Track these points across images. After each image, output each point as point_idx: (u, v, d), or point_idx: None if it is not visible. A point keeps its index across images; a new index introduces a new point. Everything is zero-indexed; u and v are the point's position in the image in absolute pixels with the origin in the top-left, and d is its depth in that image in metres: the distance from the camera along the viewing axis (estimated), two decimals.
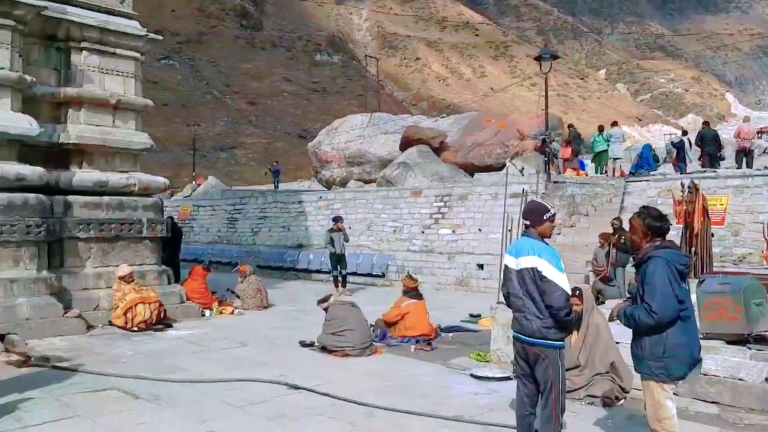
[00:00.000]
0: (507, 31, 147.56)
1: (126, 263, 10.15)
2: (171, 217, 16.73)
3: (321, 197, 21.43)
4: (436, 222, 17.98)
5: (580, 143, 20.95)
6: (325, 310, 8.38)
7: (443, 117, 26.58)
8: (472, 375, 6.92)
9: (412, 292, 9.18)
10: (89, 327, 9.36)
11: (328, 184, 24.89)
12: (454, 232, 17.42)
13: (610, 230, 13.02)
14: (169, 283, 10.91)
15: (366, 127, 24.55)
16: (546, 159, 18.10)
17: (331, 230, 14.41)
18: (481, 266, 16.09)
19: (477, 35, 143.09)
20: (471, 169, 21.22)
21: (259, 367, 7.25)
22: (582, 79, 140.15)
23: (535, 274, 3.86)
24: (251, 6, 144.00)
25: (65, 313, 9.12)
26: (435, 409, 5.70)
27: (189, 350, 8.19)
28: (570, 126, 21.05)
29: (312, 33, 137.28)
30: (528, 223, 4.07)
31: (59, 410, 5.57)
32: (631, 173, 18.17)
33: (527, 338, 3.95)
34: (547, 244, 4.02)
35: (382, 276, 17.06)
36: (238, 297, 11.94)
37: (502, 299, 4.50)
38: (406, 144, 21.92)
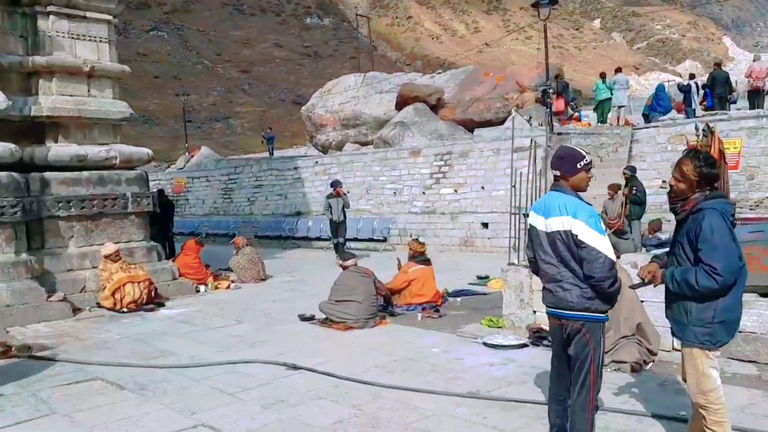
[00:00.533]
0: None
1: (111, 241, 9.56)
2: (161, 190, 16.14)
3: (317, 162, 20.77)
4: (437, 182, 17.36)
5: (569, 93, 20.14)
6: (341, 266, 7.89)
7: (439, 73, 25.70)
8: (485, 344, 6.38)
9: (420, 256, 8.60)
10: (76, 310, 8.82)
11: (324, 149, 24.17)
12: (456, 191, 16.81)
13: (619, 181, 12.42)
14: (160, 259, 10.34)
15: (360, 87, 23.71)
16: (548, 110, 17.36)
17: (329, 196, 13.74)
18: (485, 225, 15.52)
19: None
20: (470, 126, 20.49)
21: (255, 347, 6.71)
22: (577, 29, 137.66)
23: (570, 238, 3.19)
24: None
25: (49, 297, 8.56)
26: (447, 385, 5.16)
27: (180, 331, 7.65)
28: (557, 77, 20.17)
29: None
30: (558, 173, 3.36)
31: (34, 407, 5.04)
32: (644, 116, 17.49)
33: (565, 312, 3.30)
34: (582, 199, 3.33)
35: (384, 240, 16.52)
36: (231, 271, 11.38)
37: (524, 261, 3.84)
38: (402, 103, 21.13)
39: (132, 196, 9.90)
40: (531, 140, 9.44)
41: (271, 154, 27.64)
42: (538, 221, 3.39)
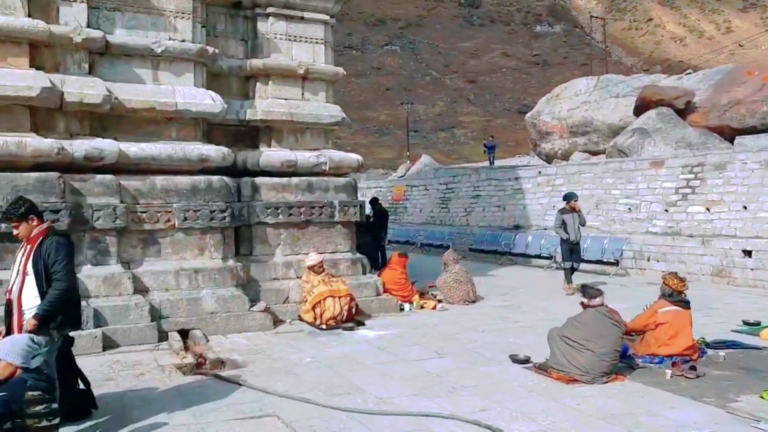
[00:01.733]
0: None
1: (316, 251, 9.06)
2: (375, 198, 15.77)
3: (540, 172, 19.08)
4: (684, 198, 14.75)
5: None
6: (583, 306, 6.36)
7: (688, 74, 22.44)
8: None
9: (677, 295, 6.75)
10: (277, 322, 8.41)
11: (549, 158, 22.34)
12: (708, 210, 14.10)
13: None
14: (365, 273, 9.64)
15: (592, 91, 21.52)
16: None
17: (563, 210, 11.68)
18: (748, 253, 12.69)
19: None
20: (727, 133, 17.35)
21: (454, 393, 5.52)
22: None
23: None
24: None
25: (252, 306, 8.23)
26: None
27: (375, 359, 6.72)
28: None
29: (532, 4, 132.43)
30: None
31: None
32: None
33: None
34: None
35: (616, 264, 14.33)
36: (431, 295, 10.35)
37: None
38: (642, 107, 18.60)
39: (339, 205, 9.33)
40: None
41: (492, 163, 26.44)
42: None
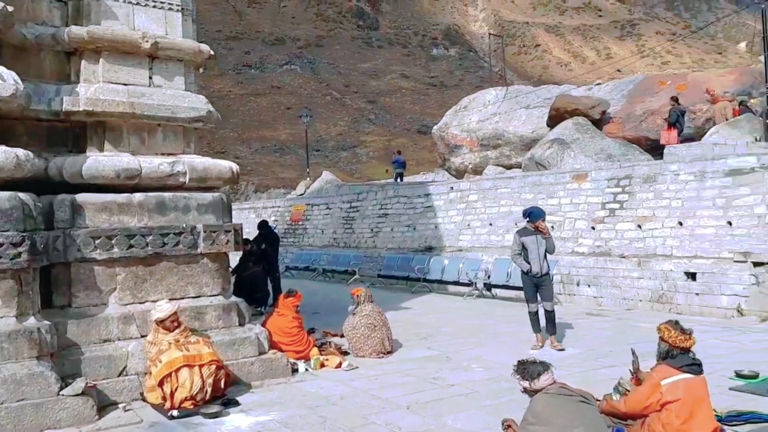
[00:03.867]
0: (633, 9, 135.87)
1: (170, 296, 6.28)
2: (265, 221, 13.10)
3: (452, 188, 17.01)
4: (612, 214, 13.02)
5: (683, 123, 15.07)
6: (527, 392, 4.02)
7: (597, 84, 21.30)
8: None
9: (681, 354, 4.52)
10: (106, 407, 5.55)
11: (459, 173, 20.40)
12: (640, 227, 12.40)
13: None
14: (243, 323, 6.90)
15: (501, 102, 19.82)
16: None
17: (524, 232, 8.19)
18: (691, 275, 10.97)
19: (600, 16, 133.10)
20: (645, 144, 15.99)
21: None
22: (720, 53, 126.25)
23: None
24: (367, 6, 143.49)
25: (63, 387, 5.33)
26: None
27: None
28: (674, 99, 15.11)
29: (428, 28, 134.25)
30: None
31: None
32: None
33: None
34: None
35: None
36: (334, 346, 7.76)
37: None
38: (556, 117, 16.99)
39: (205, 230, 6.59)
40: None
41: (399, 180, 24.20)
42: None
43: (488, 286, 13.08)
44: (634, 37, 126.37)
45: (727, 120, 14.98)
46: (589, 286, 12.58)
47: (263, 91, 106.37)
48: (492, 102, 20.00)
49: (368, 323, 7.54)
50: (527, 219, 8.27)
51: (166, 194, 6.49)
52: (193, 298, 6.54)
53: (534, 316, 8.21)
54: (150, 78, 6.64)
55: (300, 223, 22.75)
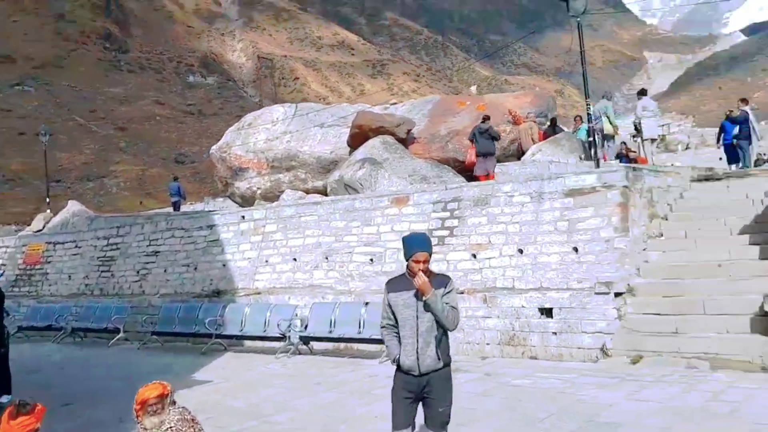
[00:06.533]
0: (382, 50, 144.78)
1: None
2: None
3: (244, 217, 13.88)
4: (441, 242, 11.12)
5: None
6: None
7: (393, 104, 19.86)
8: None
9: None
10: None
11: (246, 200, 17.26)
12: (475, 256, 10.65)
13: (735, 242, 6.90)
14: None
15: (291, 120, 17.26)
16: (590, 141, 11.86)
17: (396, 282, 4.27)
18: (547, 312, 9.38)
19: (353, 54, 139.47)
20: (454, 166, 14.64)
21: None
22: (456, 94, 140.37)
23: None
24: (115, 28, 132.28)
25: None
26: None
27: None
28: (485, 119, 14.77)
29: (183, 54, 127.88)
30: None
31: None
32: None
33: None
34: None
35: (377, 341, 9.76)
36: None
37: None
38: (359, 136, 14.90)
39: None
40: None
41: (177, 209, 20.09)
42: None
43: (305, 339, 10.23)
44: (385, 75, 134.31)
45: (534, 141, 14.26)
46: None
47: None
48: (281, 119, 17.33)
49: None
50: (408, 252, 4.24)
51: None
52: None
53: None
54: None
55: (38, 266, 17.52)
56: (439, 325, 4.06)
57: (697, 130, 48.08)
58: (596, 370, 7.88)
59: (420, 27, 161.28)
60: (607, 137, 13.60)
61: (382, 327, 4.29)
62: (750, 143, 13.46)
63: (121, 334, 12.71)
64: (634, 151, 16.03)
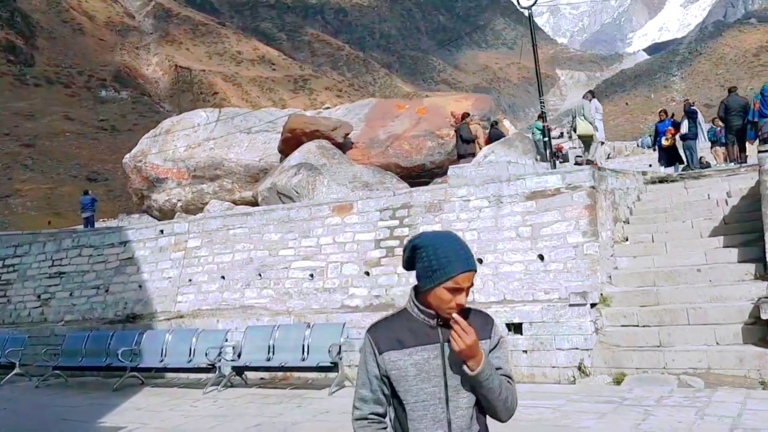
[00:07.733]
0: (303, 65, 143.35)
1: None
2: None
3: (163, 231, 12.21)
4: (390, 253, 9.95)
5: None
6: None
7: (327, 108, 18.57)
8: None
9: None
10: None
11: (165, 213, 15.47)
12: None
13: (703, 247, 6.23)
14: None
15: (215, 125, 15.68)
16: (544, 141, 11.03)
17: (391, 325, 2.10)
18: (516, 327, 8.34)
19: (274, 69, 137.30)
20: (396, 171, 13.56)
21: None
22: None
23: None
24: (19, 40, 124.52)
25: None
26: None
27: None
28: (464, 116, 13.97)
29: (95, 68, 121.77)
30: None
31: None
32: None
33: None
34: None
35: (332, 368, 8.35)
36: None
37: None
38: (292, 141, 13.55)
39: None
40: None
41: (90, 225, 17.86)
42: None
43: (238, 370, 8.74)
44: (307, 90, 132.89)
45: (479, 143, 13.39)
46: None
47: None
48: (203, 125, 15.72)
49: None
50: (418, 283, 2.04)
51: None
52: None
53: None
54: None
55: None
56: (483, 411, 2.08)
57: (610, 143, 49.60)
58: (580, 392, 6.89)
59: (341, 43, 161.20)
60: (584, 139, 12.16)
61: (358, 419, 2.06)
62: (696, 141, 13.09)
63: (16, 370, 10.73)
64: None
